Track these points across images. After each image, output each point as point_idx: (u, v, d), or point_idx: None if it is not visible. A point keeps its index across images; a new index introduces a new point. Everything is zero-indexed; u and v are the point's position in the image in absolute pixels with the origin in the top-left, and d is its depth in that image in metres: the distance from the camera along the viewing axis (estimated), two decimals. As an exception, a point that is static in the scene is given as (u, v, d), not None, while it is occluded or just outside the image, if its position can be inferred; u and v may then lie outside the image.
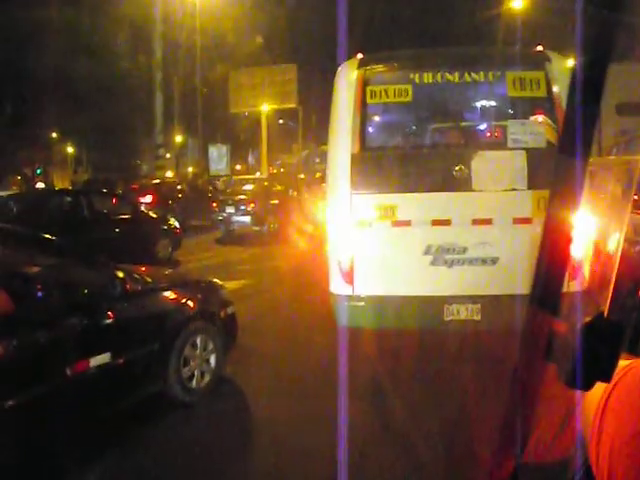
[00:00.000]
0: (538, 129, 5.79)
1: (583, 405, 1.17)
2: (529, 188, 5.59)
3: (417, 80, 6.01)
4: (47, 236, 5.14)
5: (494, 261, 5.67)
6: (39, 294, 5.03)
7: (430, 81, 6.03)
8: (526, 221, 5.62)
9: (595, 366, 1.00)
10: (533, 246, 5.56)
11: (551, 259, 1.06)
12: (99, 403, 4.78)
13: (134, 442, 4.81)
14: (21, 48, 29.42)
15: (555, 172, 1.05)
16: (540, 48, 6.13)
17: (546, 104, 5.87)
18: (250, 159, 51.89)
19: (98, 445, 4.60)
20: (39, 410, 4.18)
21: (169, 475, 4.32)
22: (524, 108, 6.46)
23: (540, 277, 1.07)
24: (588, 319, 1.02)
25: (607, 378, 1.03)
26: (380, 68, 6.27)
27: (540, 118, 5.99)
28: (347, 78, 6.02)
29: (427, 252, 5.71)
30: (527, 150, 5.65)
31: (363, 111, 5.92)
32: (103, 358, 4.60)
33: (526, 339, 1.13)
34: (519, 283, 5.68)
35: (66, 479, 4.14)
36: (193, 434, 5.04)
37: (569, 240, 1.06)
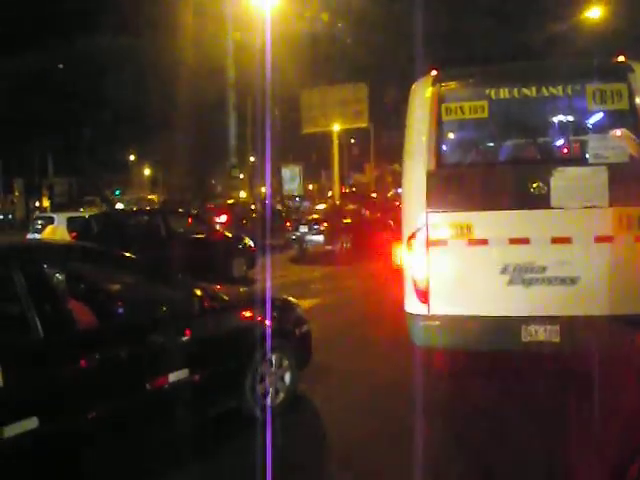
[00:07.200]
0: (620, 143, 5.60)
1: None
2: (611, 205, 5.41)
3: (493, 96, 5.91)
4: (127, 254, 5.28)
5: (574, 281, 5.49)
6: (120, 310, 5.20)
7: (506, 96, 5.91)
8: (608, 239, 5.43)
9: None
10: (615, 265, 5.38)
11: None
12: (176, 418, 4.86)
13: (210, 457, 4.86)
14: (99, 76, 30.73)
15: None
16: (622, 58, 5.91)
17: (629, 117, 5.67)
18: (323, 178, 52.24)
19: (175, 458, 4.68)
20: (119, 422, 4.29)
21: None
22: (604, 122, 6.26)
23: None
24: None
25: None
26: (455, 85, 6.17)
27: (619, 132, 5.79)
28: (422, 96, 5.97)
29: (504, 271, 5.58)
30: (608, 165, 5.48)
31: (438, 128, 5.86)
32: (181, 374, 4.69)
33: None
34: (601, 303, 5.49)
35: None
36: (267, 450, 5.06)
37: None
